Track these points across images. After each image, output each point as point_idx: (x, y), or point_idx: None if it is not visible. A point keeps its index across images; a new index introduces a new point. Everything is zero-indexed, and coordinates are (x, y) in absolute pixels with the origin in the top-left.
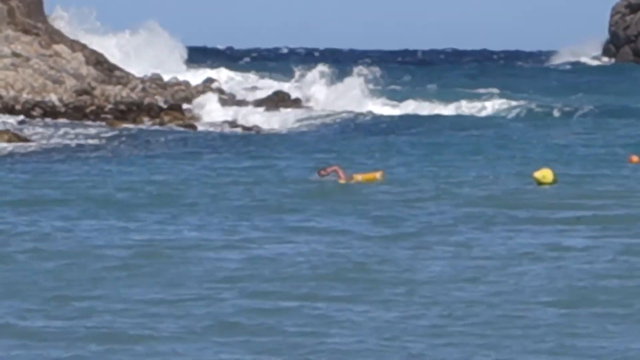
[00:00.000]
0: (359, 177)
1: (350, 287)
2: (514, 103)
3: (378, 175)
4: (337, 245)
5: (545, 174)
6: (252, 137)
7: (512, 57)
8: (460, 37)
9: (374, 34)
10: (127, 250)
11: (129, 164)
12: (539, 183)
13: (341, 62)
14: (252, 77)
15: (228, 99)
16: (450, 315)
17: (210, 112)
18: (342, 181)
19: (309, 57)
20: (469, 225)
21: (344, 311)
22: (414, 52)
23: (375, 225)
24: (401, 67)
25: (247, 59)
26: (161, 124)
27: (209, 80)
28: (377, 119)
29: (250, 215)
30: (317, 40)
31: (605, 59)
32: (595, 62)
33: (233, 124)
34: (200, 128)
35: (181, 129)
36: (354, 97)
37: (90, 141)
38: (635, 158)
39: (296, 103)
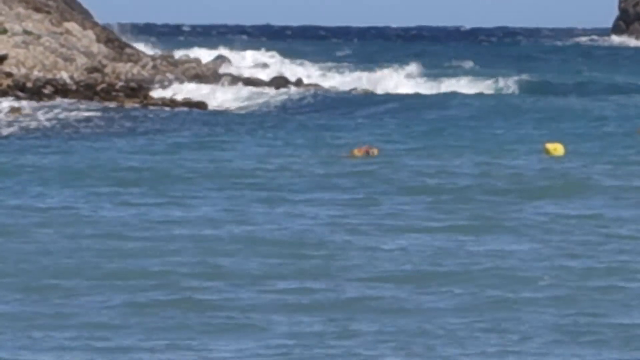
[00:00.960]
0: (357, 152)
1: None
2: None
3: (375, 151)
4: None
5: (556, 146)
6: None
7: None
8: (467, 14)
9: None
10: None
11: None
12: (549, 154)
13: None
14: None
15: (239, 79)
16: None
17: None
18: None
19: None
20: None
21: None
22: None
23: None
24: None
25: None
26: (172, 102)
27: (220, 58)
28: (343, 95)
29: (254, 192)
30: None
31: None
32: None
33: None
34: (210, 107)
35: (186, 109)
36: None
37: (94, 120)
38: None
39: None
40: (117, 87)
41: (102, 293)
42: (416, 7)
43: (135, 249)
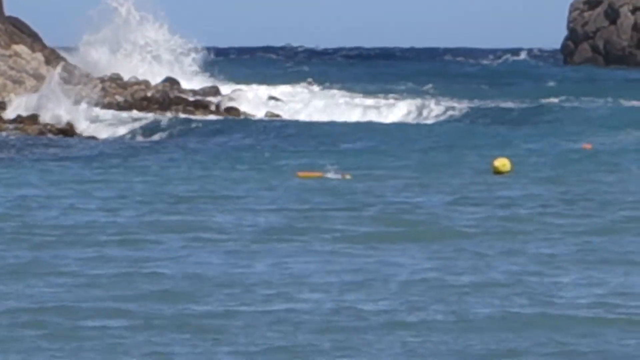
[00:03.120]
0: (302, 174)
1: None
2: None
3: (322, 174)
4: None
5: (504, 163)
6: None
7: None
8: (413, 34)
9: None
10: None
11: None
12: (497, 172)
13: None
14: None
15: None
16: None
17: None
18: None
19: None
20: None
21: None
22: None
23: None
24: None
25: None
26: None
27: (168, 80)
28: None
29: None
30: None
31: None
32: None
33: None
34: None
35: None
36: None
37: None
38: (587, 145)
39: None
40: None
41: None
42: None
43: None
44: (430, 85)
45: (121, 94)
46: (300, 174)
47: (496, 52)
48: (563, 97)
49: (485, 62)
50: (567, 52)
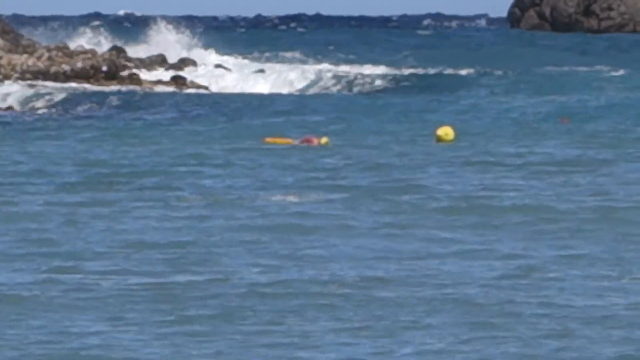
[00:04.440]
0: (270, 139)
1: None
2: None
3: (290, 140)
4: None
5: (447, 132)
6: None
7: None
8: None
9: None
10: None
11: None
12: (440, 140)
13: None
14: None
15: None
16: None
17: None
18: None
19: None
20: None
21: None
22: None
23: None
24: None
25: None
26: None
27: (115, 49)
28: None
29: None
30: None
31: None
32: None
33: None
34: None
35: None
36: None
37: None
38: (565, 119)
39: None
40: (12, 79)
41: None
42: None
43: None
44: (375, 53)
45: (68, 63)
46: (268, 139)
47: (437, 19)
48: (506, 65)
49: (426, 29)
50: (513, 19)
